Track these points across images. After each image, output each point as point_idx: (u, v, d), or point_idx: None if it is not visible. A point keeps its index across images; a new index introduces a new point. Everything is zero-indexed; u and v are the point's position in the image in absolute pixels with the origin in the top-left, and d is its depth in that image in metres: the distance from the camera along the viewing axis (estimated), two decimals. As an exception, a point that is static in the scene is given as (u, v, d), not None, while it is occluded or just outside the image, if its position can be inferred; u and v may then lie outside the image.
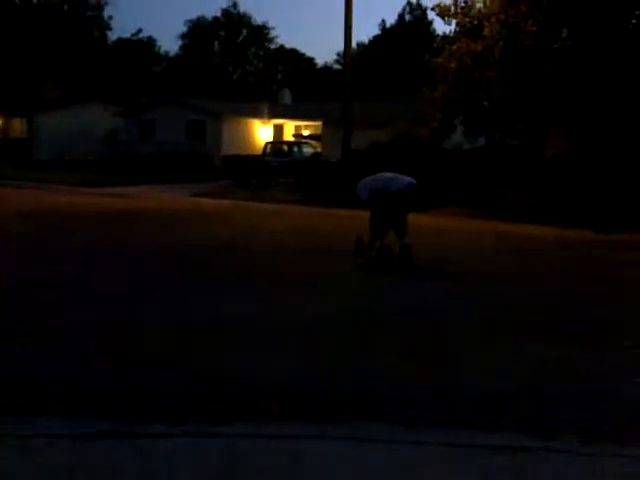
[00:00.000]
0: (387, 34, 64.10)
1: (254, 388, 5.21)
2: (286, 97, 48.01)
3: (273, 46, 69.19)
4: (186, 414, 4.64)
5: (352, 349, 6.40)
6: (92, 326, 6.83)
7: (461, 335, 6.99)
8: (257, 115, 40.70)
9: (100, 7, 53.74)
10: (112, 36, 56.47)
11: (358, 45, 63.18)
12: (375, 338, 6.81)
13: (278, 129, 41.38)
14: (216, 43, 66.68)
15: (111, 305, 7.86)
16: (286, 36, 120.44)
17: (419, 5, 63.84)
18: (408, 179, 11.47)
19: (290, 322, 7.27)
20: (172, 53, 68.05)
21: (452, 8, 21.10)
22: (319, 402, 4.99)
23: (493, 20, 19.52)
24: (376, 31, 67.03)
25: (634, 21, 19.18)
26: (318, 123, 38.44)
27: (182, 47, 66.96)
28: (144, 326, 6.95)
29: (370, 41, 66.51)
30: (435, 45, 22.12)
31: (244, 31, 67.00)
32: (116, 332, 6.66)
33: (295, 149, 32.50)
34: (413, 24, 62.98)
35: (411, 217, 11.56)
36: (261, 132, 40.64)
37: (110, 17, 55.33)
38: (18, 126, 43.49)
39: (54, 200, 21.43)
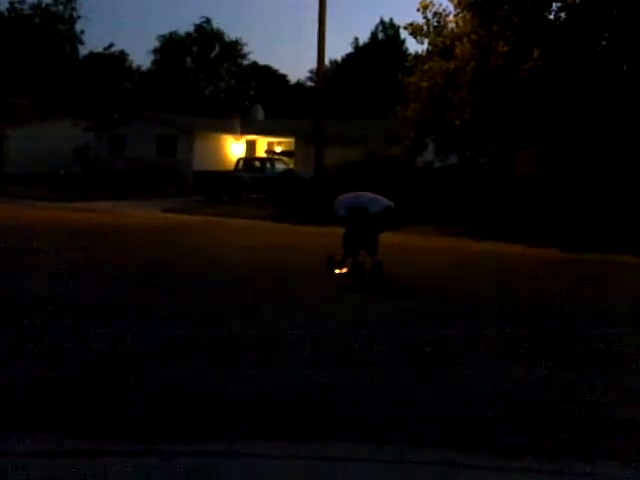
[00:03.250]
0: (360, 52, 64.48)
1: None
2: (258, 113, 48.02)
3: (246, 62, 69.24)
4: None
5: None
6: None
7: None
8: (229, 131, 40.65)
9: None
10: (84, 50, 56.12)
11: (331, 62, 63.44)
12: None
13: (250, 145, 41.36)
14: (188, 59, 66.56)
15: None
16: (259, 53, 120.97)
17: (392, 24, 64.36)
18: (387, 202, 11.54)
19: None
20: (144, 68, 67.81)
21: (424, 28, 21.26)
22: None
23: (465, 40, 19.68)
24: (349, 49, 67.37)
25: (603, 42, 19.44)
26: (291, 140, 38.49)
27: (154, 62, 66.74)
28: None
29: (343, 59, 66.88)
30: (407, 64, 22.23)
31: (217, 47, 66.97)
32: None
33: (267, 165, 32.47)
34: (386, 42, 63.41)
35: (383, 235, 11.57)
36: (233, 148, 40.58)
37: (82, 31, 54.99)
38: (-13, 139, 42.95)
39: (23, 214, 21.19)
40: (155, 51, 66.45)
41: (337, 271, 11.26)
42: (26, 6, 53.83)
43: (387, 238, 12.09)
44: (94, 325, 7.67)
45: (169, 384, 5.78)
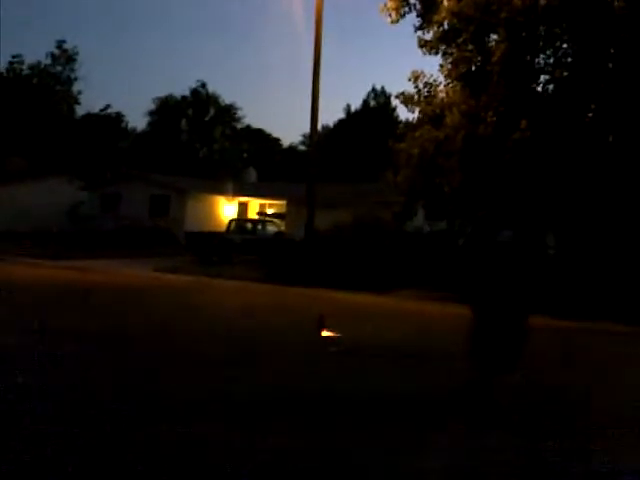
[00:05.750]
0: (352, 118, 65.53)
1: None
2: (251, 175, 48.54)
3: (240, 126, 70.19)
4: None
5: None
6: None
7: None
8: (222, 192, 41.02)
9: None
10: (80, 110, 56.75)
11: (323, 127, 64.36)
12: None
13: (242, 207, 41.73)
14: (183, 121, 67.44)
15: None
16: (253, 116, 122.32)
17: (383, 92, 65.59)
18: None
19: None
20: (139, 129, 68.62)
21: (415, 97, 21.76)
22: None
23: (455, 110, 20.13)
24: (341, 115, 68.43)
25: (590, 114, 19.96)
26: (282, 202, 38.88)
27: (150, 124, 67.58)
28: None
29: (335, 124, 67.86)
30: (399, 131, 22.67)
31: (212, 110, 67.96)
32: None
33: (259, 227, 32.78)
34: (377, 110, 64.50)
35: (371, 299, 11.61)
36: (225, 209, 40.91)
37: (79, 92, 55.71)
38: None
39: (11, 271, 21.25)
40: (151, 113, 67.39)
41: (325, 333, 11.36)
42: (25, 66, 54.69)
43: (376, 301, 12.13)
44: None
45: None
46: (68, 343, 9.97)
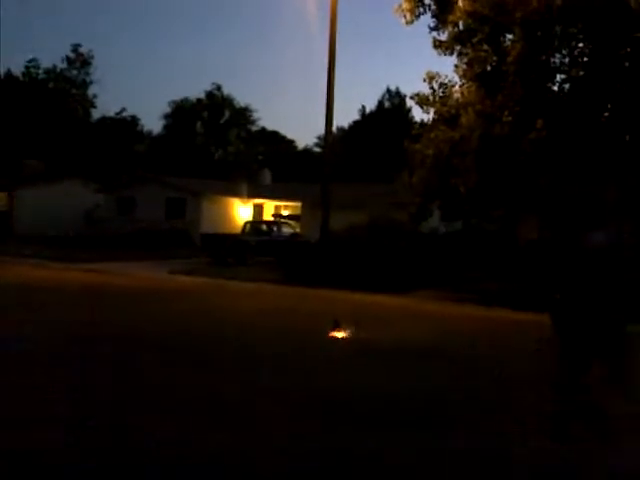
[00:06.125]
0: (367, 119, 65.56)
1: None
2: (266, 177, 48.60)
3: (255, 128, 70.35)
4: None
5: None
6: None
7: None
8: (237, 194, 41.08)
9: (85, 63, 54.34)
10: (96, 114, 57.14)
11: (338, 129, 64.40)
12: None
13: (258, 208, 41.80)
14: (199, 123, 67.66)
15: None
16: (268, 118, 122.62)
17: (398, 93, 65.57)
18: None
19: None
20: (155, 132, 68.95)
21: (430, 98, 21.72)
22: None
23: (470, 110, 20.07)
24: (356, 116, 68.47)
25: (606, 114, 19.86)
26: (297, 204, 38.94)
27: (165, 127, 67.88)
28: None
29: (350, 125, 67.91)
30: (413, 132, 22.60)
31: (227, 113, 68.14)
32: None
33: (274, 228, 32.82)
34: (392, 110, 64.48)
35: (389, 300, 11.62)
36: (241, 211, 40.99)
37: (95, 95, 56.09)
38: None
39: (31, 274, 21.38)
40: (166, 116, 67.67)
41: (332, 334, 11.47)
42: (40, 70, 55.11)
43: (399, 302, 11.97)
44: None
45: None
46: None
